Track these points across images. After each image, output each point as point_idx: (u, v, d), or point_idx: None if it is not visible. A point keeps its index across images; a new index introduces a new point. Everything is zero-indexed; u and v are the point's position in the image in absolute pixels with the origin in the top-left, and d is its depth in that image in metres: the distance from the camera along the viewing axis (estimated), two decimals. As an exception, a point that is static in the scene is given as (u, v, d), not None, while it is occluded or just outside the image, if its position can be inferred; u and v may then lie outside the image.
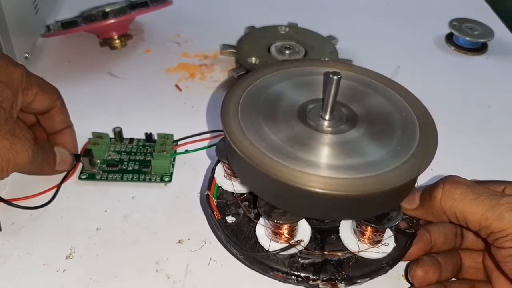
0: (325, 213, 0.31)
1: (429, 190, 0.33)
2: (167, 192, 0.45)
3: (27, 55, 0.56)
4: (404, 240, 0.35)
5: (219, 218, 0.36)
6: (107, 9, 0.58)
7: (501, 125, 0.56)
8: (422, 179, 0.43)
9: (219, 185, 0.38)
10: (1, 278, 0.37)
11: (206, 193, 0.38)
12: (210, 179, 0.38)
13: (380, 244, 0.33)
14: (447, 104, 0.58)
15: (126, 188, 0.44)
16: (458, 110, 0.57)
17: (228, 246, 0.35)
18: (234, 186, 0.37)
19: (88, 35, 0.63)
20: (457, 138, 0.52)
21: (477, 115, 0.57)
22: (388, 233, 0.34)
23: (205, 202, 0.38)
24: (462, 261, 0.38)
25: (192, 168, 0.47)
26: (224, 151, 0.35)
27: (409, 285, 0.38)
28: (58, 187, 0.44)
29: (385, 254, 0.33)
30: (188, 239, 0.40)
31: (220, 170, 0.38)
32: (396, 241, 0.34)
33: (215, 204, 0.37)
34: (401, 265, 0.39)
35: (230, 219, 0.36)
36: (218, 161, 0.38)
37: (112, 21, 0.57)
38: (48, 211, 0.42)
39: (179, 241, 0.40)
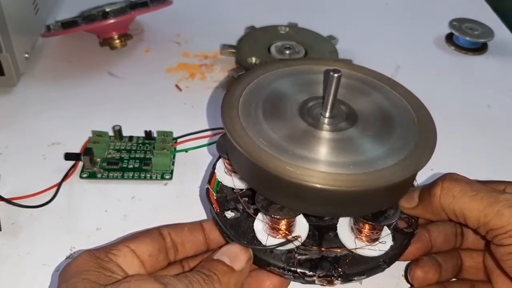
0: (322, 209, 0.31)
1: (428, 188, 0.33)
2: (167, 192, 0.45)
3: (27, 55, 0.56)
4: (402, 239, 0.35)
5: (218, 211, 0.36)
6: (107, 9, 0.58)
7: (501, 125, 0.56)
8: (422, 179, 0.43)
9: (219, 180, 0.38)
10: (1, 278, 0.37)
11: (206, 186, 0.38)
12: (210, 174, 0.39)
13: (377, 242, 0.33)
14: (447, 104, 0.58)
15: (126, 188, 0.45)
16: (458, 110, 0.57)
17: (226, 240, 0.35)
18: (234, 182, 0.37)
19: (88, 35, 0.63)
20: (457, 138, 0.52)
21: (477, 115, 0.57)
22: (386, 231, 0.34)
23: (205, 199, 0.38)
24: (462, 261, 0.37)
25: (192, 167, 0.47)
26: (225, 147, 0.35)
27: (409, 285, 0.38)
28: (59, 186, 0.44)
29: (382, 252, 0.33)
30: (188, 238, 0.40)
31: (220, 165, 0.38)
32: (393, 239, 0.34)
33: (215, 198, 0.37)
34: (402, 265, 0.39)
35: (229, 214, 0.36)
36: (219, 157, 0.38)
37: (112, 21, 0.57)
38: (48, 211, 0.42)
39: (179, 241, 0.40)
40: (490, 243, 0.32)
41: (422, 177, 0.43)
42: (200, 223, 0.36)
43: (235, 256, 0.32)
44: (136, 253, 0.31)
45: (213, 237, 0.36)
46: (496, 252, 0.31)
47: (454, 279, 0.38)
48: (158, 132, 0.48)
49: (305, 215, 0.34)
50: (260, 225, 0.34)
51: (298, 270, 0.32)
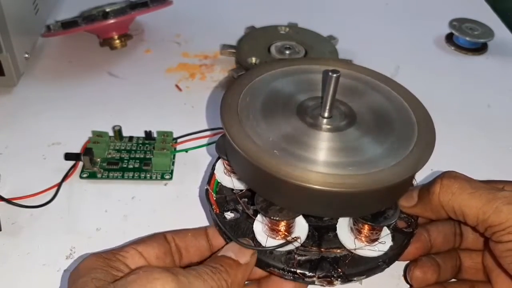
0: (321, 210, 0.31)
1: (427, 186, 0.33)
2: (167, 192, 0.45)
3: (27, 55, 0.56)
4: (402, 239, 0.35)
5: (217, 212, 0.36)
6: (107, 9, 0.58)
7: (501, 125, 0.56)
8: (421, 178, 0.43)
9: (218, 181, 0.38)
10: (1, 278, 0.37)
11: (205, 187, 0.38)
12: (210, 175, 0.39)
13: (377, 242, 0.33)
14: (447, 104, 0.58)
15: (126, 188, 0.45)
16: (458, 110, 0.57)
17: (226, 242, 0.35)
18: (234, 183, 0.37)
19: (88, 35, 0.63)
20: (457, 138, 0.52)
21: (477, 115, 0.57)
22: (385, 231, 0.34)
23: (204, 199, 0.38)
24: (461, 261, 0.37)
25: (192, 167, 0.47)
26: (224, 148, 0.35)
27: (408, 286, 0.38)
28: (59, 186, 0.44)
29: (381, 253, 0.33)
30: (188, 238, 0.40)
31: (220, 166, 0.38)
32: (393, 239, 0.34)
33: (214, 199, 0.37)
34: (402, 265, 0.39)
35: (229, 215, 0.36)
36: (219, 158, 0.38)
37: (112, 21, 0.57)
38: (48, 211, 0.42)
39: (179, 241, 0.40)
40: (489, 240, 0.32)
41: (421, 177, 0.43)
42: (205, 228, 0.36)
43: (240, 251, 0.33)
44: (144, 255, 0.31)
45: (216, 243, 0.36)
46: (495, 249, 0.31)
47: (454, 280, 0.38)
48: (158, 132, 0.48)
49: (305, 216, 0.34)
50: (259, 226, 0.34)
51: (298, 271, 0.32)
